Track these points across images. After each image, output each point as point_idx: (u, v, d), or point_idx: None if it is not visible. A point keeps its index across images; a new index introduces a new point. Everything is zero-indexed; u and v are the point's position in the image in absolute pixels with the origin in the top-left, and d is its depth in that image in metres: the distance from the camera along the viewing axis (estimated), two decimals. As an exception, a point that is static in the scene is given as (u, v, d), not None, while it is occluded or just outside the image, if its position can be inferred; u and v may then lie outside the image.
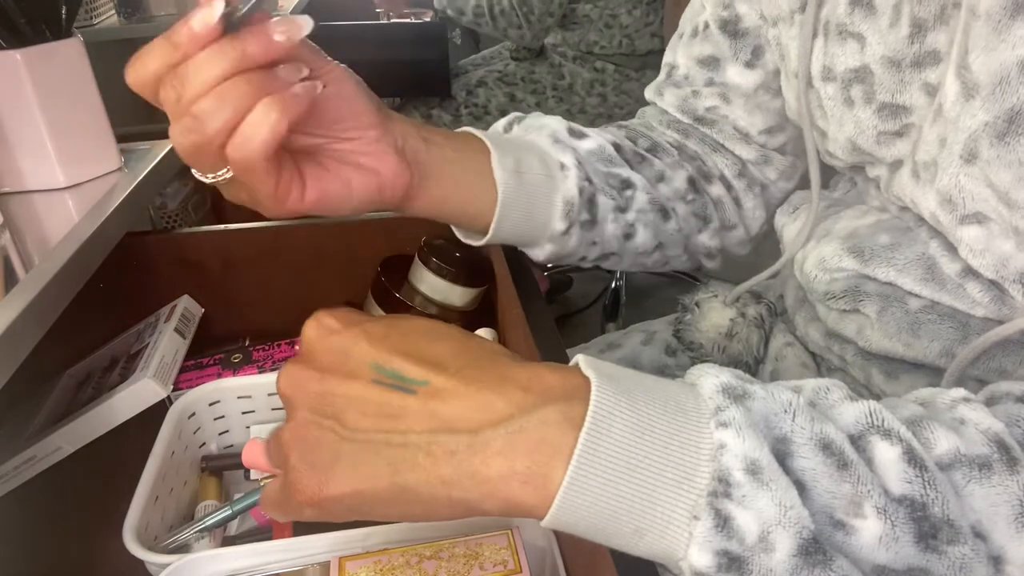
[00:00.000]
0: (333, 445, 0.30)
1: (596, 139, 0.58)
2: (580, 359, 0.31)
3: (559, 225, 0.54)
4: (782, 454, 0.29)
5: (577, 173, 0.54)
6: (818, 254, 0.54)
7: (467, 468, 0.29)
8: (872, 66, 0.47)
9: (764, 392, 0.30)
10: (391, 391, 0.31)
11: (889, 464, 0.29)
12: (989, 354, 0.45)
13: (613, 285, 1.83)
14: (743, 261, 0.71)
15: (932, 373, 0.50)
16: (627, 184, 0.57)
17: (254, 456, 0.34)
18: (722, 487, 0.28)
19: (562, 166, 0.54)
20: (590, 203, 0.55)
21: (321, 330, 0.33)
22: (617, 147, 0.59)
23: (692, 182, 0.62)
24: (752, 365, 0.64)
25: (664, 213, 0.60)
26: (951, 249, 0.46)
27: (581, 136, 0.57)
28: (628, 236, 0.59)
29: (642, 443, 0.28)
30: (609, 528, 0.29)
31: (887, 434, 0.30)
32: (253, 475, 0.65)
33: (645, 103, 0.69)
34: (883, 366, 0.52)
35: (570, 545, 0.46)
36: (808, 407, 0.30)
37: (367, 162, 0.46)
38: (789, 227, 0.61)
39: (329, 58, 0.44)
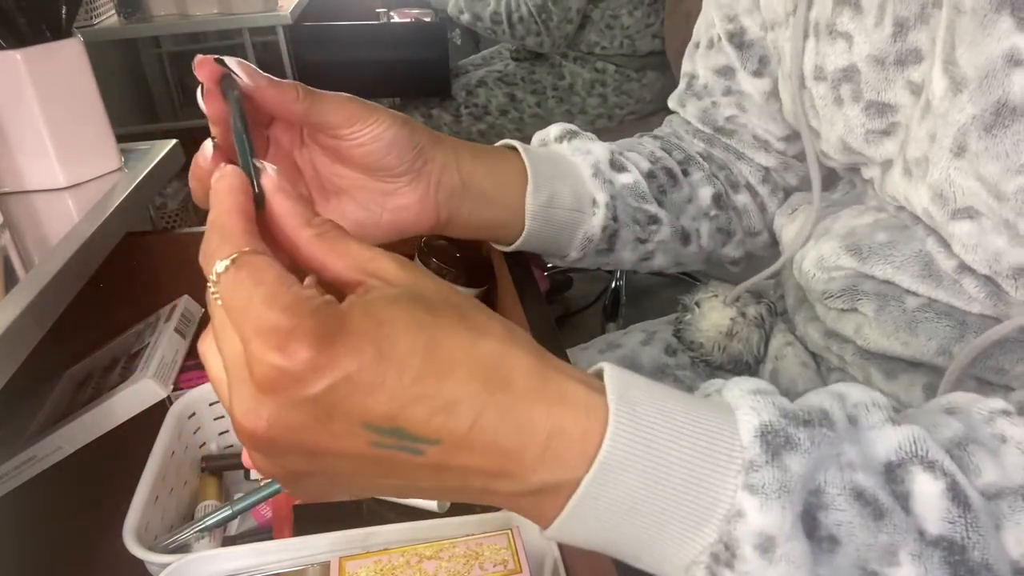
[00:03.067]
0: (327, 485, 0.29)
1: (634, 173, 0.57)
2: (609, 385, 0.28)
3: (574, 254, 0.57)
4: (814, 507, 0.28)
5: (606, 212, 0.55)
6: (816, 253, 0.54)
7: (475, 498, 0.29)
8: (859, 65, 0.48)
9: (809, 442, 0.28)
10: (395, 452, 0.26)
11: (930, 500, 0.28)
12: (987, 353, 0.45)
13: (613, 285, 1.83)
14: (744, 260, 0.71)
15: (930, 372, 0.50)
16: (654, 220, 0.58)
17: None
18: (727, 555, 0.27)
19: (594, 202, 0.55)
20: (611, 237, 0.57)
21: (287, 376, 0.25)
22: (652, 175, 0.59)
23: (717, 199, 0.62)
24: (752, 364, 0.64)
25: (685, 239, 0.61)
26: (947, 245, 0.47)
27: (621, 169, 0.57)
28: (645, 260, 0.61)
29: (653, 491, 0.27)
30: (608, 551, 0.29)
31: (930, 466, 0.29)
32: (253, 475, 0.65)
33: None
34: (882, 365, 0.52)
35: (570, 545, 0.45)
36: (839, 455, 0.29)
37: (395, 203, 0.47)
38: (788, 227, 0.61)
39: (374, 111, 0.43)
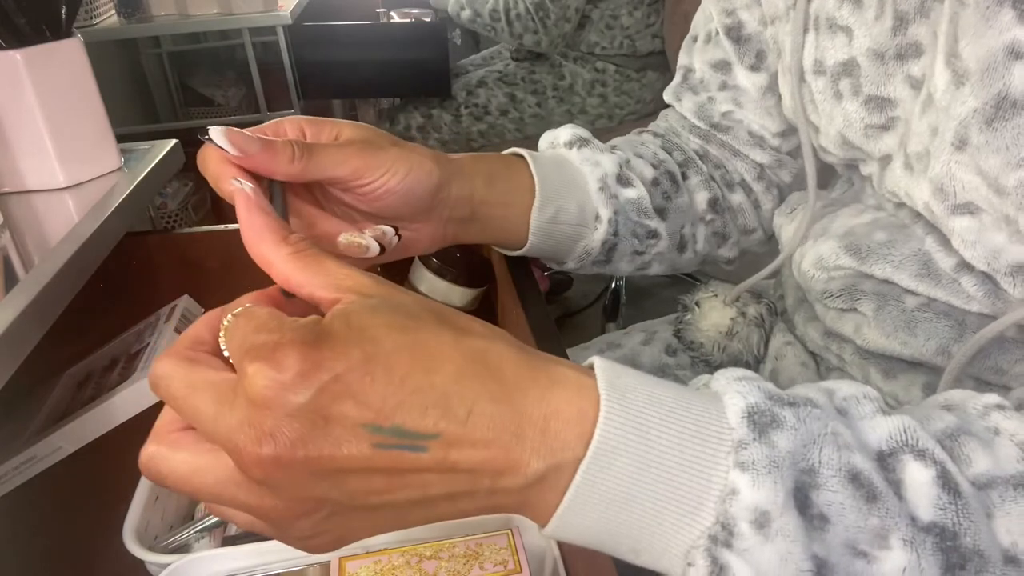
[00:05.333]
0: (341, 520, 0.28)
1: (639, 188, 0.57)
2: (599, 374, 0.29)
3: (571, 264, 0.57)
4: (807, 486, 0.28)
5: (607, 228, 0.55)
6: (815, 253, 0.54)
7: (485, 504, 0.29)
8: (859, 59, 0.48)
9: (795, 419, 0.29)
10: (399, 452, 0.26)
11: (921, 487, 0.28)
12: (985, 352, 0.45)
13: (613, 285, 1.83)
14: (743, 261, 0.71)
15: (929, 371, 0.50)
16: (653, 234, 0.58)
17: None
18: (724, 534, 0.27)
19: (597, 217, 0.55)
20: (609, 251, 0.57)
21: (277, 384, 0.25)
22: (656, 182, 0.59)
23: (713, 203, 0.63)
24: (752, 364, 0.64)
25: (682, 247, 0.62)
26: (946, 244, 0.47)
27: (628, 184, 0.57)
28: (640, 269, 0.61)
29: (647, 475, 0.27)
30: (607, 546, 0.29)
31: (920, 454, 0.29)
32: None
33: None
34: (881, 365, 0.52)
35: (570, 545, 0.45)
36: (835, 435, 0.29)
37: (407, 235, 0.47)
38: (787, 227, 0.61)
39: (384, 162, 0.42)
